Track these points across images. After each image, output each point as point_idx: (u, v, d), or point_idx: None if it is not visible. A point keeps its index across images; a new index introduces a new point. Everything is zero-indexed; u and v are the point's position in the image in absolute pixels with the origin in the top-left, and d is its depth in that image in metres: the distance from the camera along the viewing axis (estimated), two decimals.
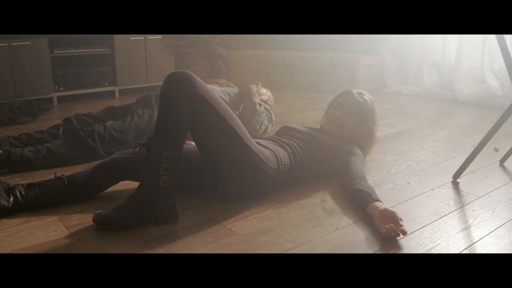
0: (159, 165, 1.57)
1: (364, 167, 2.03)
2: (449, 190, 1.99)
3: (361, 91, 2.24)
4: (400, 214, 1.58)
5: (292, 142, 1.98)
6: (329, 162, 2.03)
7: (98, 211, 1.60)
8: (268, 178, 1.81)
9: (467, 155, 2.11)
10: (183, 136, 1.62)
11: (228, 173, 1.75)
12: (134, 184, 1.93)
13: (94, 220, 1.59)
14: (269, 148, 1.89)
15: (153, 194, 1.58)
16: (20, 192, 1.72)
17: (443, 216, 1.73)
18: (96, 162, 1.91)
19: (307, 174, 2.03)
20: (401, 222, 1.54)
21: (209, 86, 2.65)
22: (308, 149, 1.99)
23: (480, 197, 1.92)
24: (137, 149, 1.70)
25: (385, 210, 1.60)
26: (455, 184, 2.07)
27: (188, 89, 1.61)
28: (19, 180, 2.04)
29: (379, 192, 1.94)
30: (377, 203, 1.67)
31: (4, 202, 1.68)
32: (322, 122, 2.29)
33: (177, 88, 1.60)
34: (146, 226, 1.61)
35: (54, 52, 3.78)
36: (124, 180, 1.88)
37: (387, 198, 1.90)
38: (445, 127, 3.12)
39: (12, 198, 1.70)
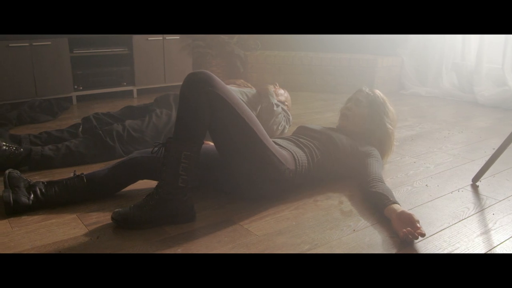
0: (178, 164, 1.58)
1: (382, 169, 2.01)
2: (468, 193, 1.97)
3: (372, 89, 2.24)
4: (417, 216, 1.57)
5: (310, 144, 1.97)
6: (346, 163, 2.02)
7: (117, 210, 1.62)
8: (285, 179, 1.81)
9: (486, 158, 2.08)
10: (202, 136, 1.63)
11: (246, 173, 1.75)
12: (152, 183, 1.95)
13: (112, 218, 1.60)
14: (287, 149, 1.88)
15: (171, 193, 1.59)
16: (41, 190, 1.75)
17: (462, 220, 1.71)
18: (115, 161, 1.94)
19: (325, 175, 2.02)
20: (418, 225, 1.53)
21: (227, 87, 2.66)
22: (325, 150, 1.98)
23: (500, 200, 1.90)
24: (156, 148, 1.71)
25: (402, 212, 1.59)
26: (474, 187, 2.04)
27: (208, 89, 1.61)
28: (39, 178, 2.06)
29: (397, 194, 1.93)
30: (395, 206, 1.66)
31: (25, 199, 1.71)
32: (338, 123, 2.28)
33: (196, 88, 1.60)
34: (164, 226, 1.62)
35: (74, 52, 3.83)
36: (142, 179, 1.89)
37: (405, 201, 1.88)
38: (464, 129, 3.08)
39: (32, 195, 1.72)
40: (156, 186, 1.63)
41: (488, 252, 1.48)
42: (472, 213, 1.77)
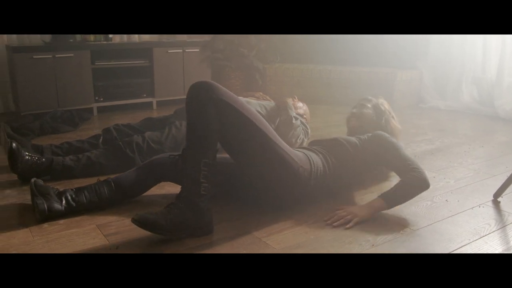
0: (198, 173, 1.60)
1: (397, 147, 1.98)
2: (490, 209, 1.94)
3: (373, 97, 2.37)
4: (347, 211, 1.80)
5: (323, 150, 1.99)
6: (363, 157, 2.01)
7: (139, 213, 1.59)
8: (301, 180, 1.80)
9: (508, 173, 2.05)
10: (216, 142, 1.66)
11: (261, 175, 1.77)
12: (169, 190, 1.96)
13: (134, 220, 1.56)
14: (300, 151, 1.89)
15: (195, 202, 1.60)
16: (71, 196, 1.81)
17: (483, 236, 1.69)
18: (136, 167, 1.98)
19: (342, 178, 2.02)
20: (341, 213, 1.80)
21: (246, 99, 2.69)
22: (336, 152, 1.98)
23: None
24: (174, 159, 1.76)
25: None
26: (496, 203, 2.01)
27: (211, 96, 1.64)
28: (60, 187, 2.09)
29: (416, 209, 1.91)
30: (377, 201, 1.83)
31: (58, 206, 1.76)
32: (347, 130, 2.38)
33: (200, 96, 1.64)
34: (182, 238, 1.63)
35: (96, 64, 3.89)
36: (163, 180, 1.97)
37: (424, 216, 1.86)
38: (485, 144, 3.04)
39: (64, 202, 1.78)
40: (178, 196, 1.64)
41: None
42: (494, 229, 1.75)
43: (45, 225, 1.72)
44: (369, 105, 2.29)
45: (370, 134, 2.07)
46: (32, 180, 1.83)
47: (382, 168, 2.26)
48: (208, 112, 1.63)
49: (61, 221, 1.75)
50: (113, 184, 1.87)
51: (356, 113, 2.28)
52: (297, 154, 1.82)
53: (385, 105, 2.31)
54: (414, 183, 1.84)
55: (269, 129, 1.76)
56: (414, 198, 2.03)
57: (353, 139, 2.05)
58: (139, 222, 1.55)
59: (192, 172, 1.61)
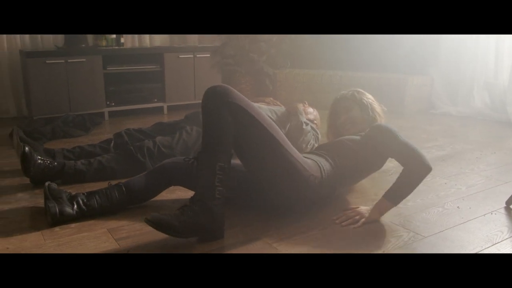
0: (213, 177, 1.61)
1: (395, 134, 1.90)
2: (502, 216, 1.92)
3: (344, 92, 2.27)
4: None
5: (330, 153, 1.97)
6: (365, 156, 1.99)
7: (153, 214, 1.57)
8: (311, 187, 1.80)
9: None
10: (231, 146, 1.67)
11: (272, 182, 1.77)
12: (180, 195, 1.97)
13: (148, 220, 1.54)
14: (310, 158, 1.89)
15: (208, 206, 1.60)
16: (83, 200, 1.82)
17: (495, 243, 1.67)
18: (147, 171, 1.99)
19: (350, 177, 2.02)
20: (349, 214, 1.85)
21: (256, 105, 2.69)
22: (343, 153, 1.97)
23: None
24: (190, 162, 1.76)
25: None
26: (508, 210, 1.99)
27: (227, 100, 1.65)
28: (72, 191, 2.10)
29: (428, 216, 1.90)
30: (382, 201, 1.84)
31: (69, 210, 1.78)
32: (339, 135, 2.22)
33: (216, 100, 1.65)
34: (193, 243, 1.63)
35: (107, 69, 3.93)
36: (174, 185, 1.97)
37: (435, 222, 1.85)
38: (497, 150, 3.02)
39: (76, 206, 1.80)
40: (192, 198, 1.63)
41: None
42: (506, 237, 1.73)
43: (57, 228, 1.73)
44: (354, 106, 2.19)
45: (368, 129, 2.03)
46: (46, 183, 1.85)
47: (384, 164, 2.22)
48: (223, 116, 1.64)
49: (73, 225, 1.76)
50: (124, 189, 1.88)
51: (348, 118, 2.17)
52: (307, 162, 1.81)
53: (364, 96, 2.22)
54: (414, 172, 1.81)
55: (281, 136, 1.76)
56: (425, 205, 2.03)
57: (355, 137, 2.04)
58: (153, 222, 1.53)
59: (207, 175, 1.61)
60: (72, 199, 1.82)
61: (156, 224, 1.53)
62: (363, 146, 1.99)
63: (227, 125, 1.65)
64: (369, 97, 2.22)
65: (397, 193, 1.82)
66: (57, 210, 1.75)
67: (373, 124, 2.04)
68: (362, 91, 2.25)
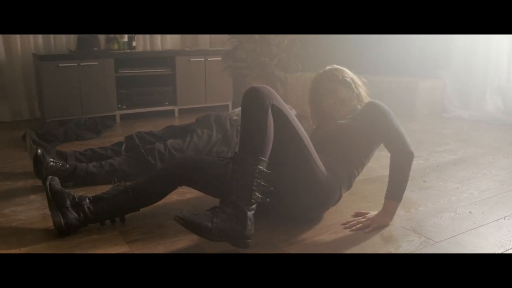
0: (251, 180, 1.55)
1: (388, 117, 1.87)
2: None
3: (323, 71, 2.16)
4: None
5: (334, 150, 1.92)
6: (357, 134, 1.93)
7: (182, 213, 1.50)
8: (331, 198, 1.80)
9: None
10: (269, 151, 1.60)
11: (295, 194, 1.75)
12: (190, 198, 1.97)
13: (179, 218, 1.47)
14: (330, 169, 1.83)
15: (242, 210, 1.54)
16: (89, 209, 1.74)
17: (508, 249, 1.66)
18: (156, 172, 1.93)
19: (362, 152, 1.95)
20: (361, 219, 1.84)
21: None
22: (341, 140, 1.93)
23: None
24: (224, 161, 1.67)
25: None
26: None
27: (271, 103, 1.61)
28: (82, 193, 2.12)
29: (439, 221, 1.89)
30: (387, 203, 1.84)
31: (75, 222, 1.71)
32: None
33: (262, 102, 1.60)
34: (202, 246, 1.63)
35: (119, 72, 3.95)
36: (180, 185, 1.86)
37: (447, 228, 1.83)
38: (510, 155, 2.99)
39: (82, 215, 1.73)
40: (225, 200, 1.56)
41: None
42: None
43: None
44: (338, 86, 2.06)
45: (362, 108, 1.97)
46: (47, 182, 1.78)
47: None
48: (268, 119, 1.59)
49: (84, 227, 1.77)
50: (131, 194, 1.80)
51: (336, 100, 2.05)
52: (330, 180, 1.77)
53: (344, 73, 2.09)
54: (402, 162, 1.80)
55: (311, 145, 1.73)
56: (436, 210, 2.01)
57: (343, 122, 1.96)
58: (184, 220, 1.46)
59: (245, 178, 1.55)
60: (77, 206, 1.74)
61: (188, 224, 1.47)
62: (355, 124, 1.93)
63: (270, 129, 1.60)
64: (348, 73, 2.11)
65: (396, 189, 1.81)
66: (63, 223, 1.69)
67: (362, 100, 2.02)
68: (339, 67, 2.14)
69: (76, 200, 1.75)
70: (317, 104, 2.13)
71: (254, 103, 1.60)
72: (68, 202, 1.73)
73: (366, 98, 2.09)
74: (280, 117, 1.64)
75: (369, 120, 1.90)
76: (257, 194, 1.55)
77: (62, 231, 1.70)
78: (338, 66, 2.14)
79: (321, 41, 4.81)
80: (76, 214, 1.72)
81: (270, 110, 1.60)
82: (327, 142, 1.96)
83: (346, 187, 1.91)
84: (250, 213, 1.54)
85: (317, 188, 1.74)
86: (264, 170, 1.56)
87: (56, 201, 1.73)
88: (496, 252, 1.62)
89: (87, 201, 1.76)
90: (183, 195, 2.11)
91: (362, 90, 2.11)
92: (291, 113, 1.70)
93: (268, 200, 1.59)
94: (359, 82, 2.12)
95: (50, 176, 1.82)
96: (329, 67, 2.15)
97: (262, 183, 1.56)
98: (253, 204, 1.55)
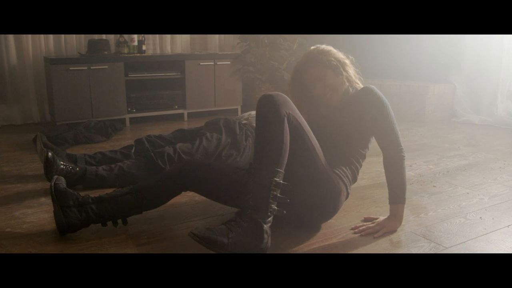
0: (268, 192, 1.51)
1: (386, 112, 1.81)
2: None
3: (307, 54, 1.96)
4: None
5: (334, 151, 1.86)
6: (360, 125, 1.86)
7: (196, 229, 1.46)
8: (340, 204, 1.79)
9: None
10: (285, 162, 1.57)
11: (306, 205, 1.72)
12: (197, 201, 1.97)
13: (194, 235, 1.44)
14: (338, 175, 1.81)
15: (259, 223, 1.50)
16: (92, 209, 1.73)
17: None
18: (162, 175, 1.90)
19: (361, 139, 1.90)
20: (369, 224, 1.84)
21: None
22: (341, 140, 1.87)
23: None
24: (241, 172, 1.65)
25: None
26: None
27: (288, 112, 1.58)
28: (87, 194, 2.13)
29: (449, 226, 1.87)
30: (393, 208, 1.82)
31: (78, 222, 1.71)
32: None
33: (278, 112, 1.56)
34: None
35: (129, 75, 3.97)
36: (185, 190, 1.83)
37: (457, 233, 1.82)
38: None
39: (84, 215, 1.72)
40: (241, 213, 1.53)
41: None
42: None
43: (78, 233, 1.75)
44: (327, 71, 1.88)
45: (357, 95, 1.88)
46: (52, 182, 1.76)
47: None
48: (285, 129, 1.55)
49: (93, 229, 1.77)
50: (136, 196, 1.77)
51: (327, 88, 1.87)
52: (340, 187, 1.75)
53: (331, 55, 1.91)
54: (395, 162, 1.77)
55: (322, 154, 1.70)
56: (446, 215, 2.00)
57: (339, 116, 1.89)
58: (199, 237, 1.43)
59: (261, 190, 1.50)
60: (80, 206, 1.73)
61: (203, 240, 1.43)
62: (356, 123, 1.86)
63: (287, 139, 1.56)
64: (333, 54, 1.92)
65: (397, 192, 1.79)
66: (64, 222, 1.69)
67: (351, 81, 1.91)
68: (323, 48, 1.94)
69: (80, 200, 1.73)
70: (304, 95, 1.97)
71: (270, 112, 1.56)
72: (71, 202, 1.72)
73: (356, 78, 1.96)
74: (295, 126, 1.61)
75: (364, 109, 1.82)
76: (273, 206, 1.51)
77: (63, 231, 1.70)
78: (322, 46, 1.95)
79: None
80: (78, 214, 1.71)
81: (286, 120, 1.57)
82: (327, 141, 1.87)
83: (352, 181, 1.88)
84: (266, 226, 1.51)
85: (328, 194, 1.72)
86: (280, 182, 1.52)
87: (59, 201, 1.71)
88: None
89: (91, 201, 1.74)
90: (191, 197, 2.11)
91: (351, 70, 1.94)
92: (304, 121, 1.67)
93: (285, 212, 1.55)
94: (347, 61, 1.95)
95: (55, 176, 1.81)
96: (313, 47, 1.96)
97: (278, 195, 1.53)
98: (269, 217, 1.52)
